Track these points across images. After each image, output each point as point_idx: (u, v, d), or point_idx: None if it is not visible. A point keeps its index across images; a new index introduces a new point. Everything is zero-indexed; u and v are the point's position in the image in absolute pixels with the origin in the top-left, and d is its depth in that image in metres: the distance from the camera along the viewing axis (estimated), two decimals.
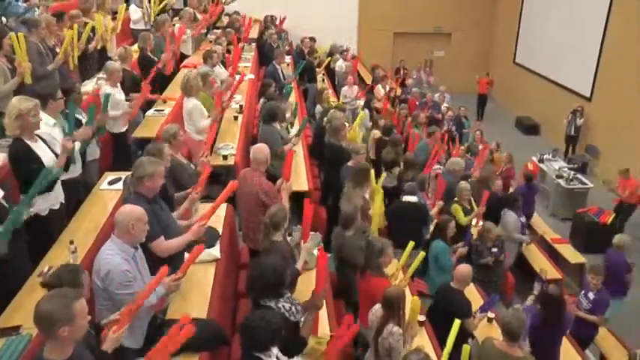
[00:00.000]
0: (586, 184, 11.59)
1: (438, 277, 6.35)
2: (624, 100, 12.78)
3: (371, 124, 9.72)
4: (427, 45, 19.59)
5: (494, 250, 7.11)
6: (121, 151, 6.47)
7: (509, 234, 8.01)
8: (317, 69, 12.62)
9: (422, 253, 5.21)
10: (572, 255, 9.09)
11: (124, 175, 5.13)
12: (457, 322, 4.09)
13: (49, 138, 4.49)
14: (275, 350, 3.24)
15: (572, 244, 9.68)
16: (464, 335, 5.24)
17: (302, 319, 3.85)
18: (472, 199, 7.58)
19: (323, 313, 4.33)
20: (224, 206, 5.48)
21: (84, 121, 5.27)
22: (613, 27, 13.46)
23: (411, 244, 5.26)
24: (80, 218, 4.82)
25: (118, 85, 6.34)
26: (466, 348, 4.11)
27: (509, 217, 8.06)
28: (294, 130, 7.55)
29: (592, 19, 14.17)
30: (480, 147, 10.75)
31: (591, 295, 6.54)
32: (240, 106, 8.26)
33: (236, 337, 3.95)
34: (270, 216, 4.48)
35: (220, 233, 4.96)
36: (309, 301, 3.93)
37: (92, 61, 7.56)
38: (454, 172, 7.91)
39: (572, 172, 11.76)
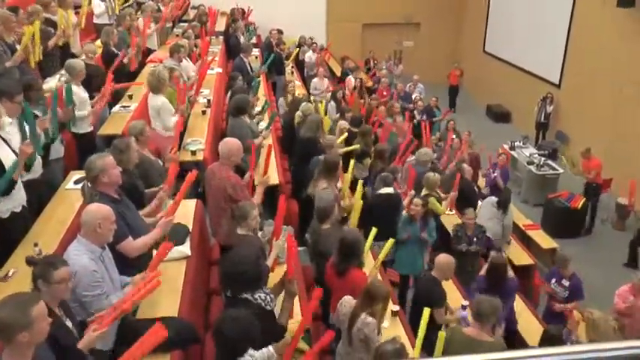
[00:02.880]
0: (556, 169, 11.74)
1: (398, 250, 6.56)
2: (592, 86, 12.96)
3: (338, 115, 9.68)
4: (396, 35, 19.58)
5: (475, 239, 7.14)
6: (88, 149, 6.27)
7: (506, 230, 8.19)
8: (285, 61, 12.52)
9: (390, 240, 5.17)
10: (544, 240, 9.17)
11: None
12: (427, 311, 4.09)
13: (5, 136, 4.35)
14: (249, 351, 3.19)
15: (544, 229, 9.78)
16: (437, 324, 5.25)
17: (276, 307, 3.86)
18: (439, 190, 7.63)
19: (295, 307, 4.27)
20: (193, 202, 5.41)
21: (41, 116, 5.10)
22: (579, 14, 13.62)
23: (374, 231, 5.24)
24: (45, 219, 4.69)
25: (80, 84, 6.12)
26: (442, 335, 4.12)
27: (511, 214, 8.24)
28: (263, 124, 7.47)
29: (559, 6, 14.31)
30: (455, 138, 10.76)
31: (565, 282, 6.54)
32: (208, 101, 8.14)
33: (208, 335, 3.89)
34: (237, 209, 4.47)
35: (190, 230, 4.88)
36: (278, 287, 3.93)
37: (54, 58, 7.33)
38: (424, 163, 7.94)
39: (543, 159, 11.88)
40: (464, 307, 5.92)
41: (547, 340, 5.34)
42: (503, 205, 8.06)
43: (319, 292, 3.72)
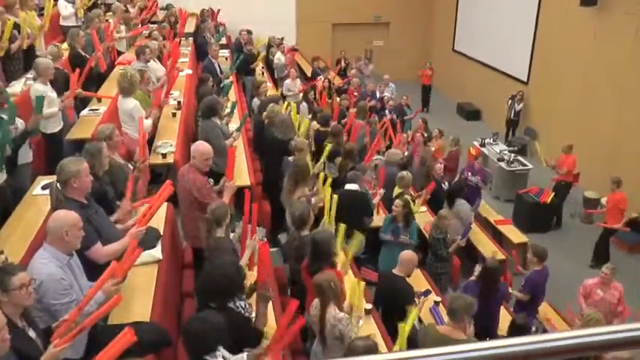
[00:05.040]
0: (526, 165, 11.89)
1: (382, 249, 6.59)
2: (559, 83, 13.19)
3: (310, 116, 9.68)
4: (366, 35, 19.60)
5: (459, 237, 7.22)
6: (55, 153, 6.10)
7: (464, 222, 8.08)
8: (254, 61, 12.44)
9: (359, 234, 5.14)
10: (515, 235, 9.29)
11: None
12: (414, 312, 4.12)
13: None
14: (221, 351, 3.20)
15: (515, 224, 9.92)
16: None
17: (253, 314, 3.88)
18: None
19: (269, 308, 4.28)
20: (164, 205, 5.35)
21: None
22: (545, 12, 13.85)
23: (342, 228, 5.27)
24: (12, 226, 4.59)
25: (48, 83, 6.01)
26: (402, 327, 4.13)
27: (463, 206, 8.16)
28: (234, 125, 7.44)
29: (525, 5, 14.52)
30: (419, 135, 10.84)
31: (527, 273, 6.68)
32: (179, 103, 8.08)
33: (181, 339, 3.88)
34: (211, 212, 4.43)
35: (161, 233, 4.83)
36: (258, 293, 3.92)
37: (18, 61, 7.21)
38: (393, 163, 7.99)
39: (513, 155, 12.03)
40: (436, 304, 6.00)
41: (514, 330, 5.42)
42: (448, 199, 8.04)
43: (294, 305, 3.73)
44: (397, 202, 6.70)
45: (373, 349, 3.66)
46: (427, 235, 7.50)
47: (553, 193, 10.55)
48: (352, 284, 4.39)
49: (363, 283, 4.45)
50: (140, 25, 11.28)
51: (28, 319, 2.99)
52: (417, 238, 6.81)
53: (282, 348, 3.63)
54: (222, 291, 3.66)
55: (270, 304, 4.11)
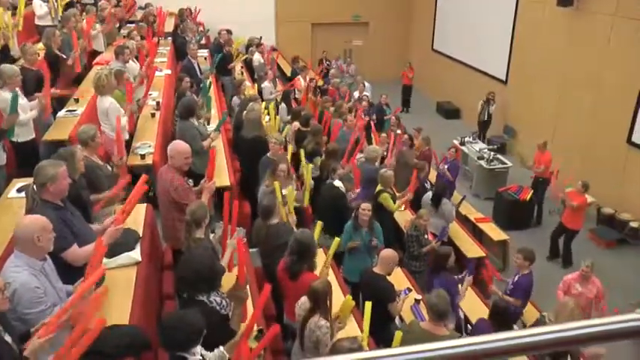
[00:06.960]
0: (506, 163, 12.01)
1: (346, 258, 6.52)
2: (536, 82, 13.33)
3: (290, 117, 9.63)
4: (345, 35, 19.65)
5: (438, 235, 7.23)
6: (24, 162, 5.82)
7: (447, 221, 8.14)
8: (232, 61, 12.36)
9: (336, 239, 5.15)
10: (495, 233, 9.37)
11: None
12: (368, 305, 4.17)
13: None
14: (198, 348, 3.18)
15: (495, 222, 10.01)
16: (388, 318, 5.31)
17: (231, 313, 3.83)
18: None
19: (249, 308, 4.25)
20: (143, 206, 5.31)
21: None
22: (522, 12, 13.98)
23: (319, 224, 5.33)
24: None
25: (17, 90, 5.78)
26: (398, 334, 4.15)
27: (447, 205, 8.19)
28: (212, 125, 7.39)
29: (503, 5, 14.64)
30: (399, 132, 10.86)
31: (516, 278, 6.63)
32: (158, 103, 8.00)
33: None
34: (190, 213, 4.39)
35: (140, 235, 4.78)
36: (232, 293, 3.88)
37: None
38: (373, 160, 8.00)
39: (492, 153, 12.14)
40: (417, 302, 6.02)
41: (497, 314, 5.43)
42: (433, 200, 8.05)
43: (268, 288, 3.71)
44: (365, 205, 6.47)
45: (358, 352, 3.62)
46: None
47: (532, 191, 10.65)
48: (345, 301, 4.40)
49: (353, 302, 4.45)
50: (119, 26, 11.18)
51: (4, 324, 2.93)
52: (382, 240, 6.58)
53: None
54: (191, 282, 3.63)
55: (249, 301, 4.10)
